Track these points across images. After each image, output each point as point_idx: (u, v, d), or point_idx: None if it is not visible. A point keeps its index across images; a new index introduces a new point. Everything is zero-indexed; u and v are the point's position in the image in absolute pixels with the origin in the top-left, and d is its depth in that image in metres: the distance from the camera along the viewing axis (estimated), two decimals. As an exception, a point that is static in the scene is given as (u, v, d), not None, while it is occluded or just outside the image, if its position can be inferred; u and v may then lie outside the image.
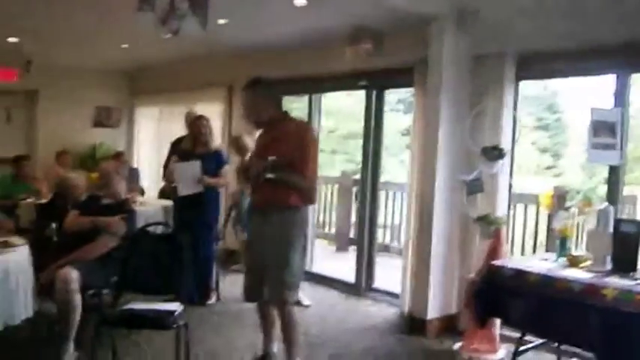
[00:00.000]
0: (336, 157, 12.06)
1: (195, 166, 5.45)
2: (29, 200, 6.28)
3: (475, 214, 4.86)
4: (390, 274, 6.74)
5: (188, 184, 5.46)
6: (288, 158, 3.68)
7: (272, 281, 3.78)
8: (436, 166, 4.99)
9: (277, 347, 4.08)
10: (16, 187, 6.65)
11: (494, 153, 4.75)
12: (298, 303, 5.71)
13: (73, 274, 3.94)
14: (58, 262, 4.12)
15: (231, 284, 6.54)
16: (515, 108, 4.94)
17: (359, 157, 10.61)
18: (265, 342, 4.06)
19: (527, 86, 5.30)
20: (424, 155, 5.21)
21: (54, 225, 5.02)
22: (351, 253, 7.95)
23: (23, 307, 3.56)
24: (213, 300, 5.83)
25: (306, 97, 7.20)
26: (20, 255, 3.60)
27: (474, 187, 4.81)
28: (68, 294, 3.89)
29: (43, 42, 7.93)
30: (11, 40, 7.85)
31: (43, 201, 6.16)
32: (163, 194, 7.26)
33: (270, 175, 3.64)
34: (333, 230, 9.15)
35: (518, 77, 4.91)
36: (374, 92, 6.23)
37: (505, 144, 4.84)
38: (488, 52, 4.93)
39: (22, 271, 3.57)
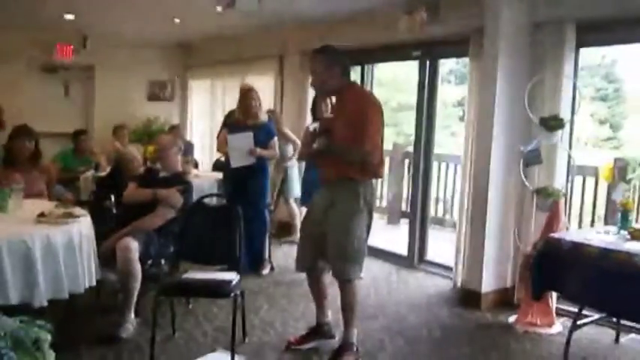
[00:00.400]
0: (386, 130, 11.98)
1: (247, 138, 5.51)
2: (88, 173, 6.44)
3: (533, 186, 4.77)
4: (442, 246, 6.71)
5: (240, 155, 5.53)
6: (351, 129, 3.61)
7: (334, 256, 3.74)
8: (492, 137, 4.89)
9: (330, 317, 4.10)
10: (76, 161, 6.83)
11: (553, 123, 4.62)
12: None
13: (133, 245, 4.04)
14: (118, 232, 4.23)
15: (283, 255, 6.65)
16: (575, 76, 4.80)
17: (409, 130, 10.51)
18: (318, 313, 4.08)
19: (584, 55, 5.11)
20: (480, 126, 5.11)
21: (113, 197, 5.18)
22: (403, 226, 7.92)
23: (87, 276, 3.64)
24: (267, 270, 5.91)
25: (356, 68, 7.14)
26: (83, 226, 3.69)
27: (532, 159, 4.70)
28: (129, 264, 4.00)
29: (98, 18, 8.06)
30: (67, 16, 8.01)
31: (102, 174, 6.33)
32: (216, 166, 7.36)
33: (314, 145, 3.61)
34: (384, 203, 9.11)
35: (578, 44, 4.74)
36: (427, 62, 6.13)
37: (564, 114, 4.71)
38: (546, 19, 4.78)
39: (86, 241, 3.65)
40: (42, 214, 3.61)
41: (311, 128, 3.57)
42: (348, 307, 3.81)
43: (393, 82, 11.33)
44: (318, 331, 4.04)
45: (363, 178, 3.74)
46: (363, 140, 3.61)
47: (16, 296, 3.11)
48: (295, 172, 6.95)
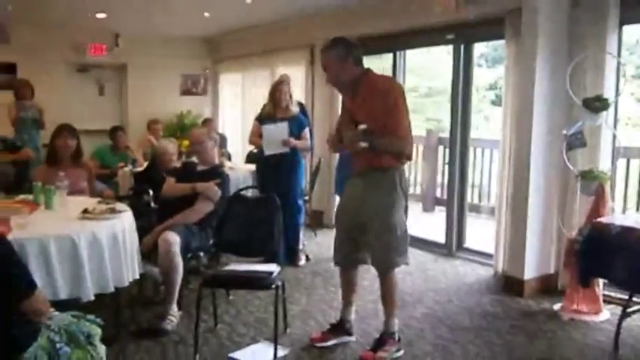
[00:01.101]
0: (418, 116, 11.87)
1: (282, 128, 5.53)
2: (126, 169, 6.51)
3: (576, 170, 4.67)
4: (479, 233, 6.65)
5: (273, 144, 5.55)
6: (379, 119, 3.55)
7: (378, 245, 3.68)
8: (532, 120, 4.80)
9: (354, 314, 4.05)
10: (113, 157, 6.91)
11: (597, 104, 4.48)
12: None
13: (174, 238, 4.06)
14: (159, 227, 4.26)
15: (318, 245, 6.65)
16: (619, 55, 4.67)
17: (441, 115, 10.39)
18: (344, 308, 4.03)
19: (624, 33, 4.95)
20: (519, 109, 5.02)
21: (151, 192, 5.22)
22: (438, 214, 7.87)
23: (131, 269, 3.68)
24: (302, 261, 5.92)
25: (387, 55, 7.08)
26: (126, 220, 3.72)
27: (575, 141, 4.58)
28: (170, 257, 4.02)
29: (129, 15, 8.15)
30: (99, 16, 8.11)
31: (140, 169, 6.39)
32: (250, 159, 7.39)
33: (364, 144, 3.50)
34: (418, 190, 9.06)
35: (622, 21, 4.61)
36: (462, 46, 6.04)
37: (608, 94, 4.59)
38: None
39: (129, 236, 3.69)
40: (86, 211, 3.66)
41: (361, 128, 3.48)
42: (388, 297, 3.78)
43: (422, 68, 11.21)
44: (341, 327, 3.98)
45: (398, 164, 3.70)
46: (396, 128, 3.56)
47: (65, 291, 3.15)
48: None
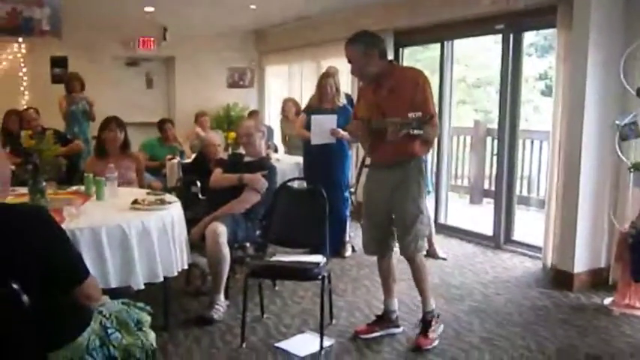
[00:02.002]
0: (466, 107, 11.70)
1: (330, 119, 5.54)
2: (174, 161, 6.60)
3: (629, 162, 4.54)
4: (528, 226, 6.54)
5: (321, 135, 5.56)
6: (410, 108, 3.50)
7: (406, 233, 3.71)
8: (583, 110, 4.68)
9: (397, 304, 4.04)
10: (162, 149, 7.02)
11: (651, 94, 4.36)
12: (434, 255, 5.71)
13: (222, 229, 4.11)
14: (206, 217, 4.32)
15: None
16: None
17: (488, 106, 10.22)
18: (386, 299, 4.02)
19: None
20: (570, 100, 4.91)
21: (199, 183, 5.30)
22: (485, 206, 7.76)
23: (180, 259, 3.76)
24: (348, 252, 5.92)
25: (435, 46, 7.01)
26: (175, 211, 3.80)
27: (628, 132, 4.46)
28: (218, 248, 4.07)
29: (177, 9, 8.25)
30: (147, 9, 8.23)
31: (187, 161, 6.48)
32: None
33: (417, 132, 3.45)
34: (465, 182, 8.95)
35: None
36: (511, 36, 5.93)
37: (665, 84, 4.45)
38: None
39: (177, 226, 3.77)
40: (136, 202, 3.74)
41: (414, 116, 3.47)
42: (422, 280, 3.84)
43: (470, 58, 11.06)
44: (385, 319, 3.98)
45: (424, 153, 3.77)
46: (433, 117, 3.57)
47: (116, 280, 3.24)
48: None
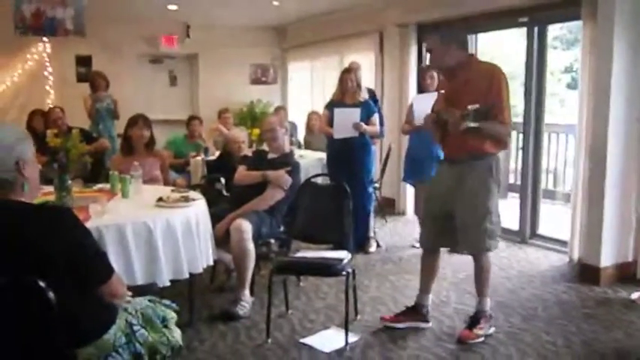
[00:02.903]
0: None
1: (354, 113, 5.57)
2: (199, 158, 6.65)
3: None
4: (553, 220, 6.48)
5: (344, 129, 5.58)
6: (482, 102, 3.52)
7: (470, 231, 3.69)
8: (609, 104, 4.63)
9: (431, 300, 4.05)
10: (187, 146, 7.08)
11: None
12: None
13: (246, 226, 4.14)
14: (231, 214, 4.34)
15: (389, 232, 6.64)
16: None
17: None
18: (421, 293, 4.02)
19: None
20: (596, 94, 4.84)
21: (223, 180, 5.33)
22: (510, 200, 7.70)
23: (205, 256, 3.79)
24: (373, 248, 5.92)
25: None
26: (199, 208, 3.82)
27: (655, 126, 4.40)
28: (243, 244, 4.10)
29: (200, 6, 8.30)
30: (171, 7, 8.31)
31: (212, 158, 6.52)
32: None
33: (472, 124, 3.46)
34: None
35: None
36: (535, 29, 5.87)
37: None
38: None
39: (202, 223, 3.79)
40: (161, 199, 3.78)
41: (472, 108, 3.47)
42: (481, 278, 3.83)
43: (494, 52, 10.97)
44: (416, 312, 3.99)
45: (496, 151, 3.68)
46: (499, 113, 3.54)
47: (142, 277, 3.28)
48: None
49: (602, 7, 4.67)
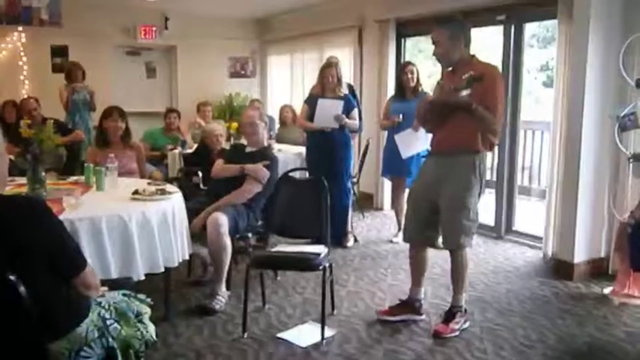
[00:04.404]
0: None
1: (336, 105, 5.60)
2: (176, 151, 6.60)
3: (629, 152, 4.54)
4: (529, 216, 6.55)
5: (325, 118, 5.60)
6: (476, 100, 3.57)
7: (448, 225, 3.75)
8: (584, 101, 4.68)
9: (424, 293, 4.10)
10: (164, 139, 7.03)
11: (650, 85, 4.36)
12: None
13: (223, 219, 4.11)
14: (208, 208, 4.32)
15: (367, 227, 6.66)
16: (675, 34, 4.51)
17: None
18: (412, 287, 4.06)
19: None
20: (570, 91, 4.90)
21: (200, 173, 5.30)
22: (487, 196, 7.75)
23: (180, 250, 3.76)
24: (350, 242, 5.94)
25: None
26: (176, 202, 3.79)
27: (628, 123, 4.45)
28: (219, 238, 4.07)
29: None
30: (149, -2, 8.22)
31: (189, 151, 6.48)
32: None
33: (465, 92, 3.52)
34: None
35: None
36: (512, 27, 5.92)
37: (664, 74, 4.44)
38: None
39: (178, 216, 3.77)
40: (136, 192, 3.75)
41: (465, 77, 3.53)
42: (458, 275, 3.86)
43: (472, 50, 11.04)
44: (409, 305, 4.03)
45: (482, 149, 3.71)
46: (493, 109, 3.60)
47: (116, 270, 3.25)
48: None
49: (578, 7, 4.72)
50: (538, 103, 10.52)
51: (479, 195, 3.77)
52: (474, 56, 3.80)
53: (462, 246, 3.77)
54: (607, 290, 4.55)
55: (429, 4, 6.55)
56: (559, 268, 5.01)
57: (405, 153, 5.68)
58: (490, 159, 7.93)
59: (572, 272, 4.87)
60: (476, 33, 7.39)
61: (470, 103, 3.56)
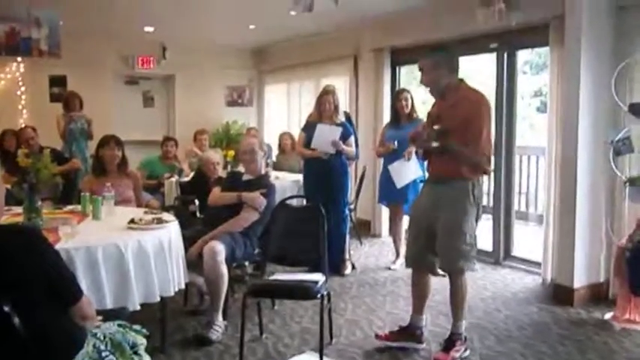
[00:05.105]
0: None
1: (335, 130, 5.62)
2: (172, 179, 6.60)
3: (624, 176, 4.56)
4: (527, 241, 6.54)
5: (323, 143, 5.62)
6: (461, 127, 3.62)
7: (445, 250, 3.75)
8: (578, 126, 4.71)
9: (425, 321, 4.06)
10: (162, 167, 7.02)
11: (643, 110, 4.39)
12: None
13: (220, 248, 4.09)
14: (204, 236, 4.30)
15: (365, 254, 6.63)
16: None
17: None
18: (414, 314, 4.03)
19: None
20: (564, 116, 4.94)
21: (197, 201, 5.29)
22: (484, 221, 7.76)
23: (176, 279, 3.72)
24: (348, 270, 5.90)
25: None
26: (172, 230, 3.78)
27: (623, 147, 4.49)
28: (216, 266, 4.05)
29: (176, 28, 8.32)
30: (147, 29, 8.30)
31: (186, 179, 6.48)
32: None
33: (435, 144, 3.59)
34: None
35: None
36: (505, 54, 5.99)
37: (657, 99, 4.47)
38: (633, 1, 4.59)
39: (175, 245, 3.75)
40: (132, 221, 3.73)
41: (435, 128, 3.61)
42: (457, 300, 3.84)
43: (464, 76, 11.12)
44: (410, 332, 4.00)
45: (474, 176, 3.72)
46: (475, 139, 3.63)
47: (112, 300, 3.22)
48: None
49: (569, 34, 4.78)
50: (532, 128, 10.58)
51: (476, 220, 3.78)
52: (462, 81, 3.81)
53: (461, 270, 3.76)
54: (607, 315, 4.52)
55: (422, 33, 6.62)
56: (558, 294, 4.98)
57: (399, 183, 5.72)
58: (486, 184, 7.97)
59: (572, 297, 4.85)
60: (470, 60, 7.50)
61: (441, 151, 3.65)
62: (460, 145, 3.62)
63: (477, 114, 3.65)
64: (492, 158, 3.89)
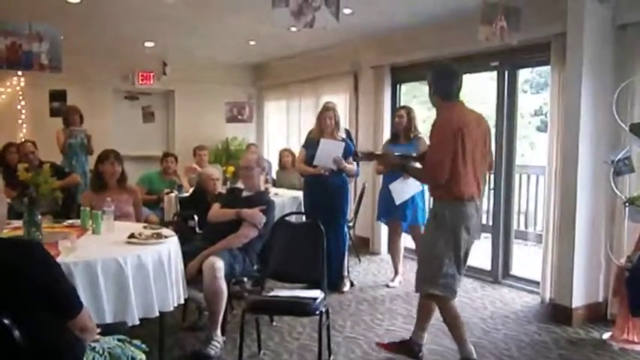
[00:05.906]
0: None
1: (338, 146, 5.61)
2: (172, 195, 6.58)
3: (624, 196, 4.57)
4: (526, 260, 6.53)
5: (325, 159, 5.61)
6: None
7: (418, 270, 3.84)
8: (578, 146, 4.73)
9: (425, 339, 4.05)
10: (161, 183, 7.02)
11: (644, 130, 4.41)
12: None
13: (219, 264, 4.08)
14: (203, 252, 4.29)
15: (364, 271, 6.62)
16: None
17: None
18: (415, 329, 4.06)
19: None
20: (565, 135, 4.96)
21: (196, 217, 5.28)
22: (483, 240, 7.76)
23: (175, 294, 3.70)
24: (347, 287, 5.89)
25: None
26: (171, 246, 3.76)
27: (623, 167, 4.50)
28: (215, 282, 4.04)
29: (177, 44, 8.36)
30: (148, 44, 8.34)
31: (185, 195, 6.47)
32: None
33: (396, 163, 3.96)
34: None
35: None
36: (506, 73, 6.02)
37: (657, 119, 4.50)
38: (633, 20, 4.62)
39: (174, 260, 3.73)
40: (132, 235, 3.73)
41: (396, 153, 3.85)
42: (447, 324, 3.83)
43: (466, 95, 11.17)
44: (409, 347, 4.01)
45: (447, 198, 3.66)
46: (426, 160, 3.77)
47: (111, 315, 3.20)
48: None
49: (571, 54, 4.80)
50: (533, 147, 10.62)
51: (453, 247, 3.65)
52: (446, 103, 3.74)
53: (427, 294, 3.77)
54: (606, 335, 4.51)
55: (422, 51, 6.66)
56: (557, 313, 4.97)
57: (398, 199, 5.74)
58: (486, 203, 7.98)
59: (571, 317, 4.83)
60: (471, 78, 7.56)
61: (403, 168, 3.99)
62: (414, 168, 3.84)
63: (433, 135, 3.70)
64: (491, 176, 3.98)
